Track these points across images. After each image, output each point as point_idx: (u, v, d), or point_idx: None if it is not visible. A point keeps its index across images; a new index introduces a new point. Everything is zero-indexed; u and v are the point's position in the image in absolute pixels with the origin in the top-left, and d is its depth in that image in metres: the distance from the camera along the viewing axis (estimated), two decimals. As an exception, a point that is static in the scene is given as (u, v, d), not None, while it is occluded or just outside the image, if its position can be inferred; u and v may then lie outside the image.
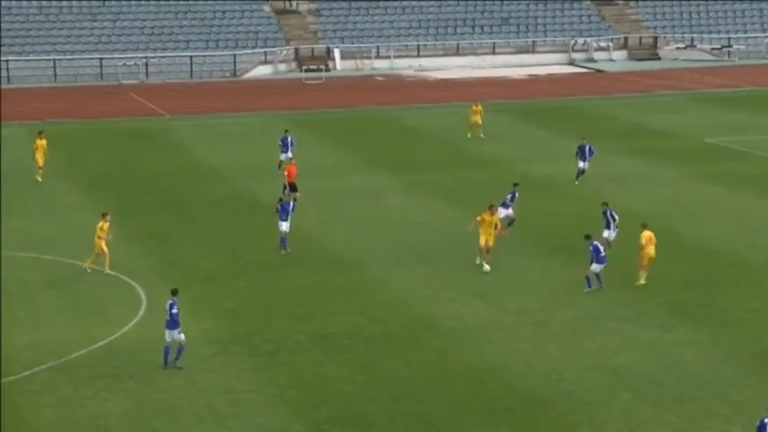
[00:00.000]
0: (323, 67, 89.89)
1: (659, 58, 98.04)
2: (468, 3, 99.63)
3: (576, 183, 49.85)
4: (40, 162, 51.09)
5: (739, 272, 36.29)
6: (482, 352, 30.49)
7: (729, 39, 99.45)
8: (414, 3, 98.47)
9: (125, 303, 34.25)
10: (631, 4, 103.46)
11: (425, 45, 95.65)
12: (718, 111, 70.52)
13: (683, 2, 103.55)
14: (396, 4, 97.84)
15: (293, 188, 46.13)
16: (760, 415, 26.02)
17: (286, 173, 46.87)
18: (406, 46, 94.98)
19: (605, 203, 38.87)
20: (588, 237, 35.69)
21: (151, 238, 41.22)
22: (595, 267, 35.07)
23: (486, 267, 37.07)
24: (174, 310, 29.22)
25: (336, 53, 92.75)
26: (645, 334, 31.57)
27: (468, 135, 61.12)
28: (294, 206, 40.59)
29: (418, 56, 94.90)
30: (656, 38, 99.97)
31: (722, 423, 25.98)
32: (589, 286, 35.10)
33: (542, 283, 35.98)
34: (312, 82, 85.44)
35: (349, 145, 59.73)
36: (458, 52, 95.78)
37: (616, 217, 38.41)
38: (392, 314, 33.42)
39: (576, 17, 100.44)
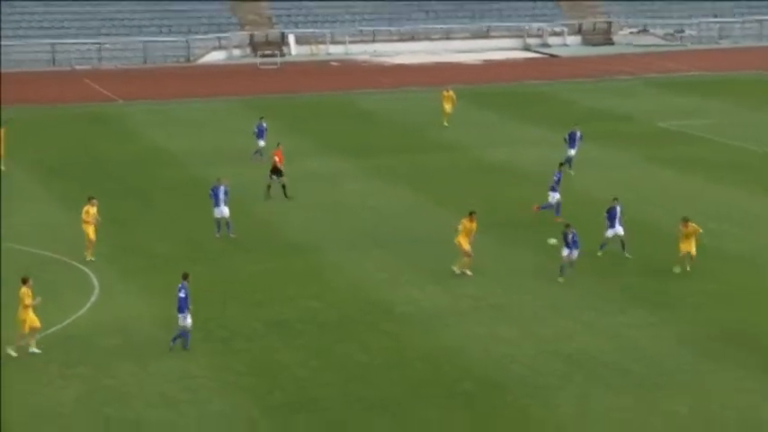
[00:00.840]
0: (277, 52, 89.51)
1: (613, 44, 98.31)
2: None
3: (571, 172, 47.89)
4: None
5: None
6: (438, 336, 30.47)
7: (682, 24, 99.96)
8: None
9: (79, 289, 33.98)
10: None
11: (380, 30, 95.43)
12: (671, 95, 70.87)
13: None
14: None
15: (279, 173, 45.46)
16: (717, 398, 26.23)
17: (276, 158, 45.74)
18: (361, 31, 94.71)
19: (615, 198, 37.49)
20: (568, 226, 35.56)
21: (108, 223, 40.84)
22: (574, 254, 34.92)
23: (464, 272, 35.17)
24: (182, 294, 29.14)
25: (291, 38, 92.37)
26: (601, 319, 31.66)
27: (445, 123, 60.07)
28: (285, 191, 41.65)
29: (373, 41, 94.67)
30: (609, 23, 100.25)
31: (676, 405, 26.10)
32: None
33: (498, 268, 35.99)
34: (267, 67, 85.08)
35: (304, 130, 59.51)
36: (413, 38, 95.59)
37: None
38: (348, 299, 33.34)
39: (530, 3, 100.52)
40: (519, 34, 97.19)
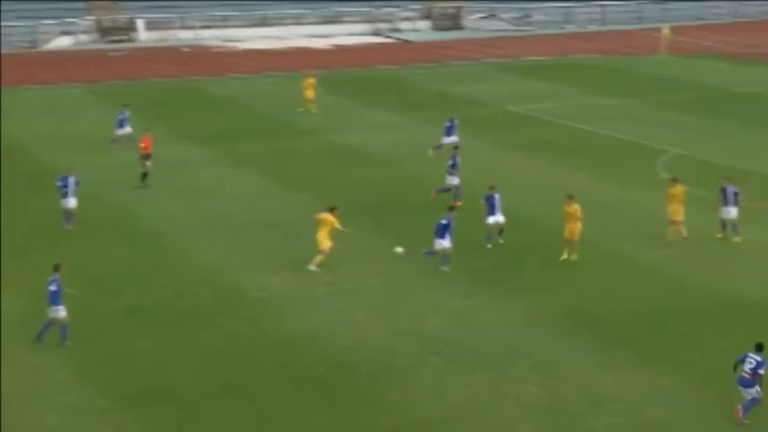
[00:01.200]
0: (126, 38, 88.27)
1: (462, 28, 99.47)
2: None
3: (431, 153, 48.15)
4: None
5: (541, 237, 37.23)
6: (293, 322, 30.59)
7: (529, 9, 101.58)
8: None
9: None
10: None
11: (231, 15, 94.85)
12: (520, 79, 72.03)
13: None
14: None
15: (148, 159, 44.43)
16: (562, 375, 26.94)
17: (142, 144, 44.98)
18: (212, 16, 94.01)
19: (492, 187, 37.50)
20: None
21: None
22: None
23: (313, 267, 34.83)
24: (53, 288, 28.53)
25: (140, 24, 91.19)
26: (452, 300, 32.16)
27: (300, 109, 59.83)
28: (147, 178, 41.82)
29: (224, 26, 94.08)
30: (459, 8, 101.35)
31: (526, 384, 26.70)
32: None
33: (351, 252, 36.23)
34: (115, 53, 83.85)
35: (157, 117, 58.85)
36: (264, 22, 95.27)
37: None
38: (203, 286, 33.23)
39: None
40: (370, 19, 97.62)
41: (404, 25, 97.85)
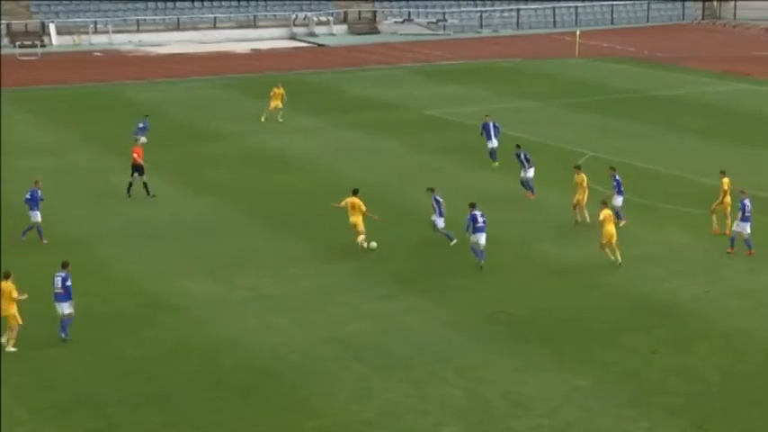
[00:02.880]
0: (38, 42, 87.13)
1: (379, 32, 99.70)
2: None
3: (496, 164, 47.73)
4: None
5: (459, 240, 37.38)
6: (212, 328, 30.37)
7: (444, 13, 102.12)
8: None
9: None
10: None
11: (145, 20, 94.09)
12: (436, 83, 72.36)
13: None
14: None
15: (140, 171, 43.64)
16: (485, 377, 27.06)
17: (135, 155, 44.04)
18: (125, 21, 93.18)
19: (431, 189, 37.85)
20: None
21: None
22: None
23: (373, 244, 36.45)
24: (69, 283, 29.51)
25: (52, 28, 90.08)
26: (373, 304, 32.16)
27: (263, 119, 59.03)
28: (147, 189, 42.13)
29: (138, 31, 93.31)
30: (374, 12, 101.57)
31: (447, 387, 26.76)
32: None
33: (272, 258, 36.11)
34: (27, 58, 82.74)
35: (69, 122, 58.22)
36: (178, 27, 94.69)
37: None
38: (121, 293, 32.89)
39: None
40: (286, 23, 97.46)
41: (320, 29, 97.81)
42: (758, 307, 31.93)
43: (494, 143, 48.49)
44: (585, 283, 33.88)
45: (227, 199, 43.01)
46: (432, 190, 37.78)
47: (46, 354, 28.53)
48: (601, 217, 35.28)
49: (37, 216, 38.14)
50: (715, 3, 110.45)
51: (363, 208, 36.60)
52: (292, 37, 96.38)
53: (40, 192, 38.39)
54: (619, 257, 35.12)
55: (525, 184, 43.29)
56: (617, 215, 38.13)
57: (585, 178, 39.51)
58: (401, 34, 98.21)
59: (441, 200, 37.42)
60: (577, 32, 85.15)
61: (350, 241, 36.72)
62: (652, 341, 29.13)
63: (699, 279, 34.16)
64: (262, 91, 68.32)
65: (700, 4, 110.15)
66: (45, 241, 37.73)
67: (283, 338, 29.59)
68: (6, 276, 29.34)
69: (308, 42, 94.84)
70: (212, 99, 61.66)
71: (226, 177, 46.83)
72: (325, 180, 46.31)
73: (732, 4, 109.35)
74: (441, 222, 37.33)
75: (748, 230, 36.35)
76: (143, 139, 49.89)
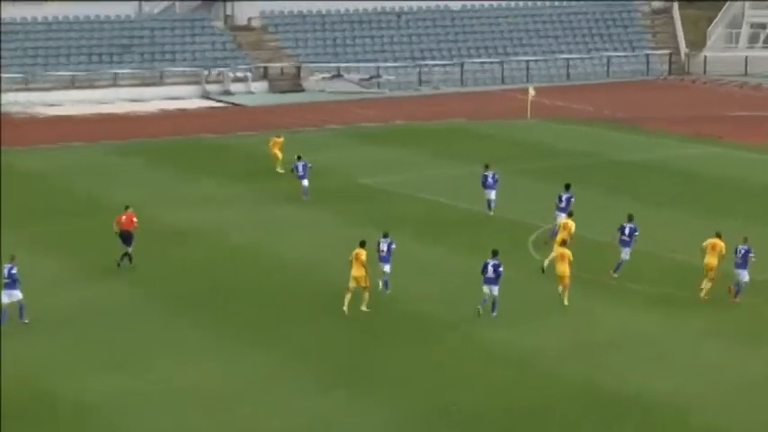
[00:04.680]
0: None
1: (304, 90, 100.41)
2: (83, 28, 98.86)
3: (491, 213, 53.35)
4: None
5: (406, 321, 37.47)
6: (121, 429, 30.25)
7: (378, 68, 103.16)
8: (18, 27, 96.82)
9: None
10: (270, 29, 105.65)
11: (33, 77, 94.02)
12: (369, 147, 72.84)
13: (327, 28, 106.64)
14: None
15: (129, 240, 44.67)
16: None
17: (124, 220, 45.04)
18: (11, 78, 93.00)
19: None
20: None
21: None
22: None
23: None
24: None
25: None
26: (302, 399, 32.19)
27: (280, 169, 62.99)
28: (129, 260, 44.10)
29: (27, 89, 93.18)
30: (299, 67, 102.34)
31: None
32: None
33: (182, 345, 36.13)
34: None
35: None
36: (73, 85, 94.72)
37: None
38: (11, 390, 32.67)
39: (208, 44, 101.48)
40: (197, 80, 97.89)
41: (236, 87, 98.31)
42: (737, 400, 32.36)
43: (491, 195, 54.03)
44: (542, 372, 34.23)
45: (125, 278, 42.99)
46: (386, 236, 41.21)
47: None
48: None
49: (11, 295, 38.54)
50: (683, 56, 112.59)
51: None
52: (205, 96, 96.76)
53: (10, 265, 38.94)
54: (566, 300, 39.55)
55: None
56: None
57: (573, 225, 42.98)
58: (329, 92, 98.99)
59: (392, 247, 40.98)
60: (529, 89, 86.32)
61: (271, 323, 36.86)
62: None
63: (670, 369, 34.60)
64: (166, 157, 68.43)
65: (666, 58, 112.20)
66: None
67: (199, 439, 29.59)
68: None
69: (223, 102, 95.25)
70: (109, 166, 61.72)
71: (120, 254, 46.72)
72: (238, 256, 46.46)
73: (702, 57, 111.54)
74: (387, 268, 40.79)
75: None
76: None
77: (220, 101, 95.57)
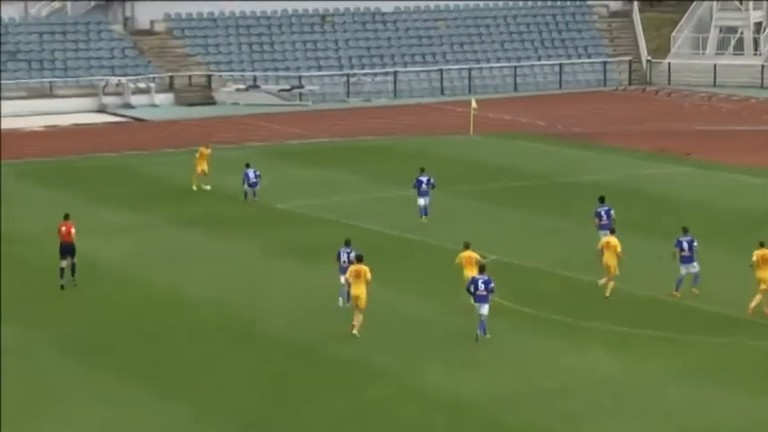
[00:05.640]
0: None
1: (215, 103, 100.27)
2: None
3: (424, 221, 56.98)
4: None
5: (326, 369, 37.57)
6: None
7: (300, 78, 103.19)
8: None
9: None
10: (176, 33, 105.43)
11: None
12: (290, 168, 72.80)
13: (241, 33, 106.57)
14: None
15: (72, 252, 46.11)
16: None
17: (63, 229, 46.65)
18: None
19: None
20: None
21: None
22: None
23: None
24: None
25: None
26: None
27: (194, 187, 64.19)
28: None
29: None
30: (209, 77, 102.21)
31: None
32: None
33: (85, 398, 35.94)
34: None
35: None
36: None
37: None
38: None
39: (105, 50, 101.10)
40: (93, 92, 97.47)
41: (138, 99, 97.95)
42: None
43: (422, 202, 57.42)
44: (486, 419, 34.29)
45: (17, 326, 42.64)
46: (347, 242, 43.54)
47: None
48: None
49: None
50: (644, 64, 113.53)
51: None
52: (101, 109, 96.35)
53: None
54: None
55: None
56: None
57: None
58: (244, 105, 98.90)
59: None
60: (472, 102, 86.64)
61: (177, 370, 36.67)
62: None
63: (631, 418, 34.76)
64: (59, 179, 68.02)
65: (625, 66, 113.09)
66: None
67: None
68: None
69: (123, 116, 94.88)
70: (13, 193, 61.31)
71: (15, 293, 46.42)
72: (143, 293, 46.29)
73: (666, 65, 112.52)
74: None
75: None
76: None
77: (120, 115, 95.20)
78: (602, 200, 51.08)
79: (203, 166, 65.16)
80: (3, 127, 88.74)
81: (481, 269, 40.97)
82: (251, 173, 62.11)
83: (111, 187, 66.14)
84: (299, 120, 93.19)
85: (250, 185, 62.02)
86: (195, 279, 48.51)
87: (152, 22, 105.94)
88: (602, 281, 45.07)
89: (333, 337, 40.61)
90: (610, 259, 44.69)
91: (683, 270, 45.01)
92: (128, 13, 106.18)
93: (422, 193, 57.28)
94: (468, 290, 40.71)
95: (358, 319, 40.31)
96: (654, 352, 39.63)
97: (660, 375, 37.72)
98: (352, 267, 40.82)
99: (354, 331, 40.21)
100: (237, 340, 40.36)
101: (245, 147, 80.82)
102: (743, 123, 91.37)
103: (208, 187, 64.82)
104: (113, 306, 44.91)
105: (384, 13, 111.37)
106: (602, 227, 49.47)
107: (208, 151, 65.92)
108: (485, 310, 40.05)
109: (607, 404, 35.61)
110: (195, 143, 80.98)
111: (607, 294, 44.48)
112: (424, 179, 57.33)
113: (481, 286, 40.18)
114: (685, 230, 45.77)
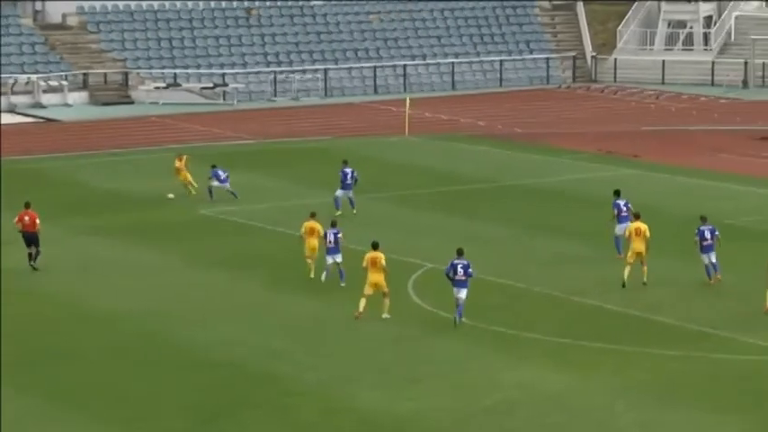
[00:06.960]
0: None
1: (133, 102, 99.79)
2: None
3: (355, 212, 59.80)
4: None
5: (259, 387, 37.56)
6: None
7: (224, 75, 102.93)
8: None
9: None
10: (90, 28, 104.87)
11: None
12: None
13: (160, 27, 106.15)
14: None
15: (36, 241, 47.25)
16: None
17: (27, 218, 47.67)
18: None
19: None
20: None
21: None
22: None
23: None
24: None
25: None
26: None
27: (193, 191, 64.92)
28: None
29: None
30: (126, 74, 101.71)
31: None
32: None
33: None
34: None
35: None
36: None
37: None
38: None
39: (13, 45, 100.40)
40: (1, 91, 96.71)
41: (49, 98, 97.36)
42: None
43: (345, 193, 60.59)
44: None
45: None
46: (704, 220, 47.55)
47: None
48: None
49: None
50: (589, 60, 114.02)
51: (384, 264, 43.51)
52: (10, 109, 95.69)
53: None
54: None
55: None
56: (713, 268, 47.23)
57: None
58: (164, 104, 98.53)
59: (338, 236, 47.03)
60: (407, 101, 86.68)
61: (99, 390, 36.47)
62: None
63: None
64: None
65: (569, 63, 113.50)
66: None
67: None
68: None
69: (34, 116, 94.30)
70: None
71: None
72: (55, 308, 46.00)
73: (612, 61, 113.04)
74: (338, 257, 47.15)
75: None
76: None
77: (30, 115, 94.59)
78: (617, 193, 52.97)
79: (184, 174, 65.54)
80: None
81: (460, 253, 42.59)
82: (220, 172, 63.47)
83: (21, 194, 65.51)
84: (222, 120, 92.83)
85: (221, 182, 63.42)
86: (113, 292, 48.21)
87: (64, 15, 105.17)
88: (626, 272, 46.86)
89: (260, 351, 40.41)
90: (639, 245, 46.72)
91: (706, 259, 47.32)
92: (38, 7, 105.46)
93: (345, 187, 60.31)
94: (448, 275, 42.57)
95: (385, 304, 43.32)
96: (602, 366, 39.71)
97: (608, 391, 37.80)
98: (368, 255, 43.28)
99: (384, 314, 43.28)
100: (159, 358, 40.08)
101: (164, 149, 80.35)
102: (693, 123, 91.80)
103: (171, 195, 64.93)
104: (28, 323, 44.53)
105: (313, 6, 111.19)
106: (621, 219, 51.16)
107: (183, 160, 66.03)
108: (463, 294, 42.10)
109: (553, 422, 35.66)
110: (111, 146, 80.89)
111: (645, 280, 47.11)
112: (349, 172, 60.38)
113: (460, 271, 42.19)
114: (704, 219, 48.11)
